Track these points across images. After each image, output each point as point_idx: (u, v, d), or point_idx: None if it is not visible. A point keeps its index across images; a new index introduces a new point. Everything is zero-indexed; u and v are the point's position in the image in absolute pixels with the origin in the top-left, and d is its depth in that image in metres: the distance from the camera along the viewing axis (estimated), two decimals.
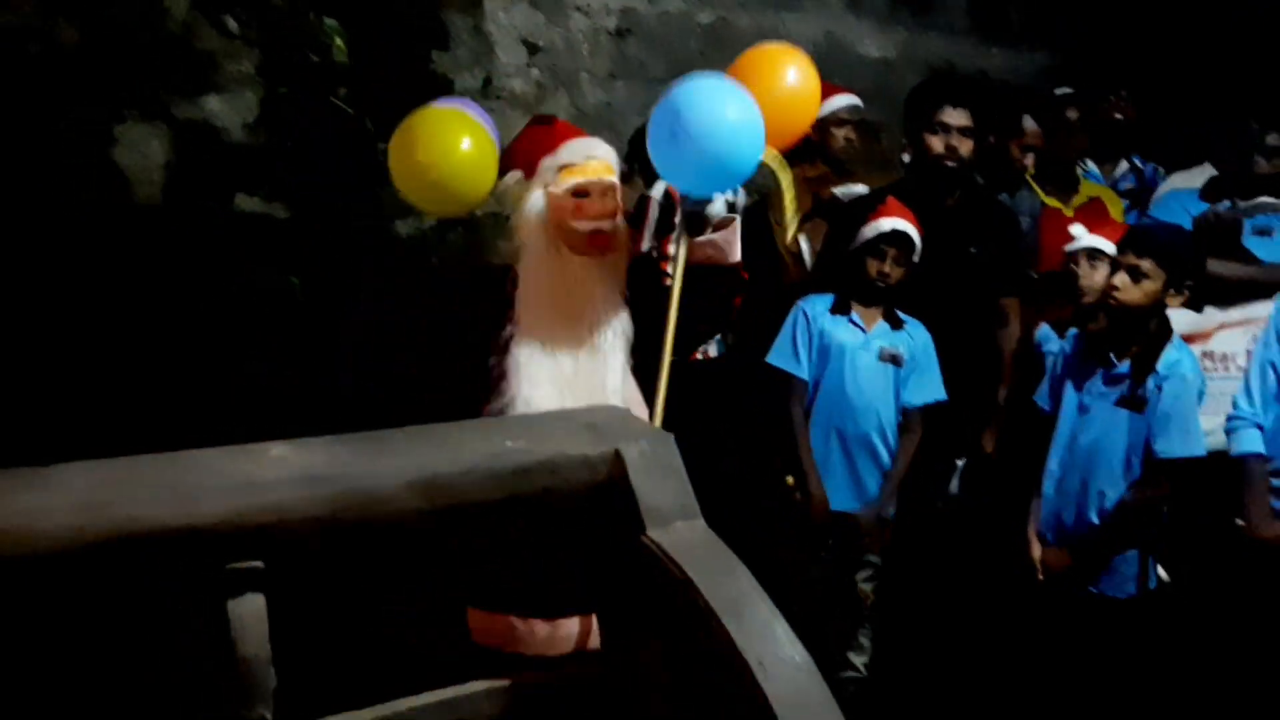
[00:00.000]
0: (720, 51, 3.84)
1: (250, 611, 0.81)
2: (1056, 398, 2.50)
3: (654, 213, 3.26)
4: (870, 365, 2.64)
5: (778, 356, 2.69)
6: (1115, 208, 3.28)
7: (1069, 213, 3.21)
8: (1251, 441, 2.33)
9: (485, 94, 3.45)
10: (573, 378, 1.97)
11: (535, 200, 2.01)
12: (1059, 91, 3.51)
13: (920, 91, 2.90)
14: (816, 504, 2.61)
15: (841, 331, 2.66)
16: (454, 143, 2.05)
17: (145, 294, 3.00)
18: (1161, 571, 2.49)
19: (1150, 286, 2.27)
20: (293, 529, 0.82)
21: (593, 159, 2.01)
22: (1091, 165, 3.70)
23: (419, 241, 3.49)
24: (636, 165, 2.81)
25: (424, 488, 0.88)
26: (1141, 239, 2.36)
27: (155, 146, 3.06)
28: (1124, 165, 3.79)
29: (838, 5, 4.08)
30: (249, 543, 0.81)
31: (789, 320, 2.71)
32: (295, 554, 0.84)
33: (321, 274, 3.22)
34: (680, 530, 0.93)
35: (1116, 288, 2.30)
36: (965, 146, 2.76)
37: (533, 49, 3.53)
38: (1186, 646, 2.49)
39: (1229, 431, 2.39)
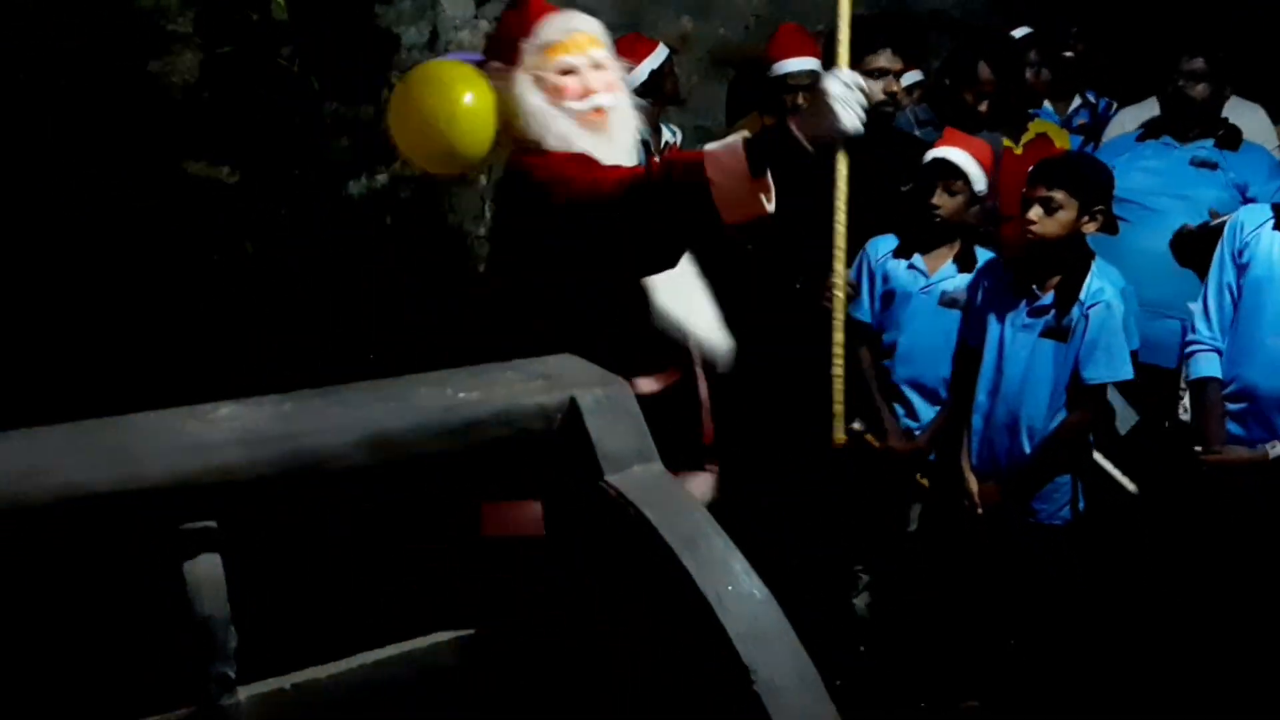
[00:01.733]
0: None
1: (206, 571, 0.81)
2: (978, 331, 2.51)
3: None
4: (928, 310, 2.60)
5: None
6: (1061, 142, 3.30)
7: (1018, 151, 3.23)
8: (1210, 366, 2.37)
9: (432, 48, 3.39)
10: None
11: (526, 91, 1.87)
12: (1018, 32, 3.51)
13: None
14: (894, 439, 2.59)
15: (902, 275, 2.62)
16: (457, 98, 1.89)
17: (93, 266, 2.94)
18: (1127, 482, 2.54)
19: (1064, 216, 2.30)
20: (242, 488, 0.81)
21: (576, 32, 1.90)
22: (1045, 104, 3.71)
23: (371, 200, 3.44)
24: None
25: (373, 444, 0.87)
26: (1049, 171, 2.39)
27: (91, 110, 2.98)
28: (1077, 100, 3.82)
29: None
30: (199, 504, 0.80)
31: (855, 265, 2.66)
32: (247, 514, 0.83)
33: (274, 237, 3.17)
34: (637, 474, 0.94)
35: (1032, 221, 2.32)
36: (895, 88, 2.78)
37: (480, 0, 3.47)
38: (1137, 568, 2.56)
39: (1186, 356, 2.44)
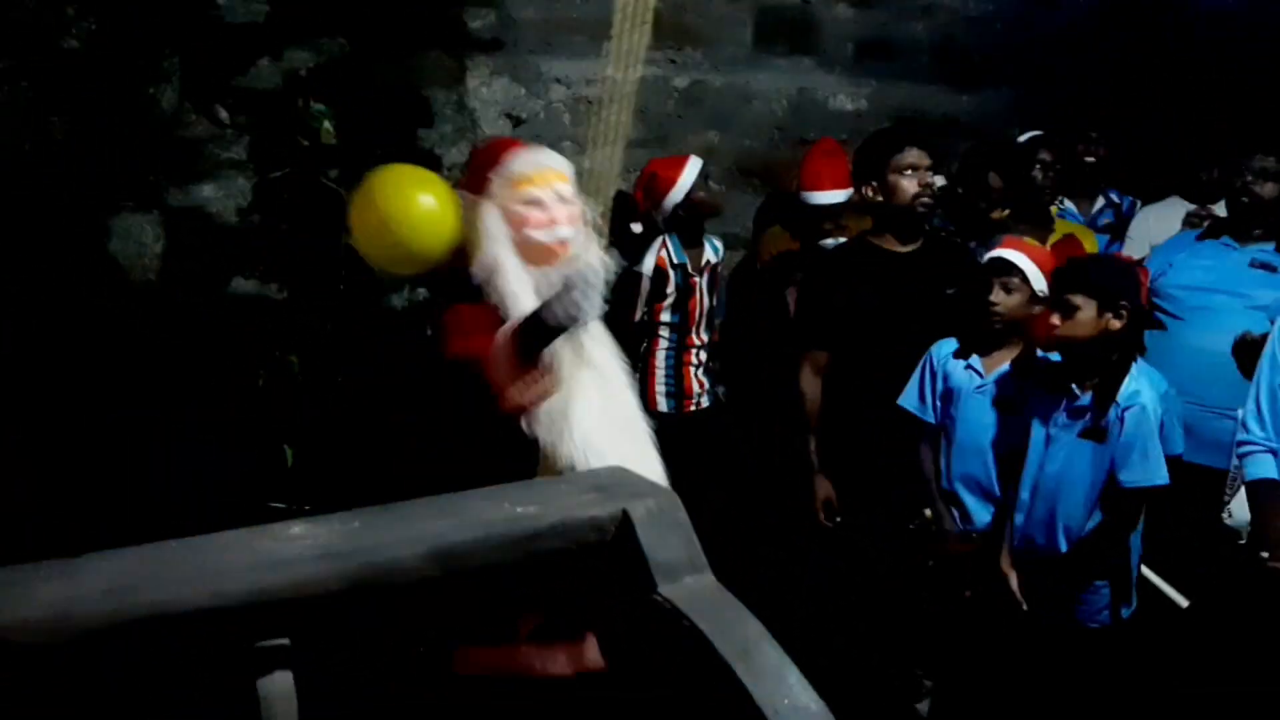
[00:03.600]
0: (696, 112, 3.96)
1: (279, 688, 0.84)
2: (1022, 430, 2.52)
3: (645, 286, 3.36)
4: (982, 410, 2.63)
5: (906, 399, 2.74)
6: (1089, 243, 3.35)
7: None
8: (1265, 467, 2.33)
9: None
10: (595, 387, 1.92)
11: (491, 219, 1.93)
12: (1028, 135, 3.61)
13: (875, 140, 2.95)
14: (950, 538, 2.64)
15: (959, 374, 2.67)
16: (413, 198, 1.95)
17: (147, 381, 3.05)
18: (1176, 595, 2.50)
19: (1084, 317, 2.32)
20: (316, 604, 0.85)
21: (545, 168, 1.96)
22: (1069, 204, 3.79)
23: (413, 313, 3.55)
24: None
25: (439, 556, 0.91)
26: (1066, 275, 2.42)
27: (149, 233, 3.13)
28: (1100, 201, 3.89)
29: (808, 61, 4.20)
30: (274, 619, 0.84)
31: (920, 364, 2.74)
32: (319, 628, 0.86)
33: (320, 351, 3.27)
34: (689, 584, 0.96)
35: (1054, 325, 2.36)
36: (936, 182, 2.83)
37: (516, 120, 3.63)
38: (1187, 671, 2.50)
39: (1240, 457, 2.40)
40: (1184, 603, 2.52)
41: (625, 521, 0.98)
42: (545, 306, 1.80)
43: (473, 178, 2.02)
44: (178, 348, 3.13)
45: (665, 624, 0.93)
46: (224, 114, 3.19)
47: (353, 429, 3.17)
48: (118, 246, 3.07)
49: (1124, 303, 2.34)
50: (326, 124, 3.28)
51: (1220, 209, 3.23)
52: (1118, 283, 2.38)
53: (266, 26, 3.18)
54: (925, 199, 2.80)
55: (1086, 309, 2.33)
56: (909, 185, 2.79)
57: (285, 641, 0.85)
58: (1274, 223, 2.99)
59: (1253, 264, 2.93)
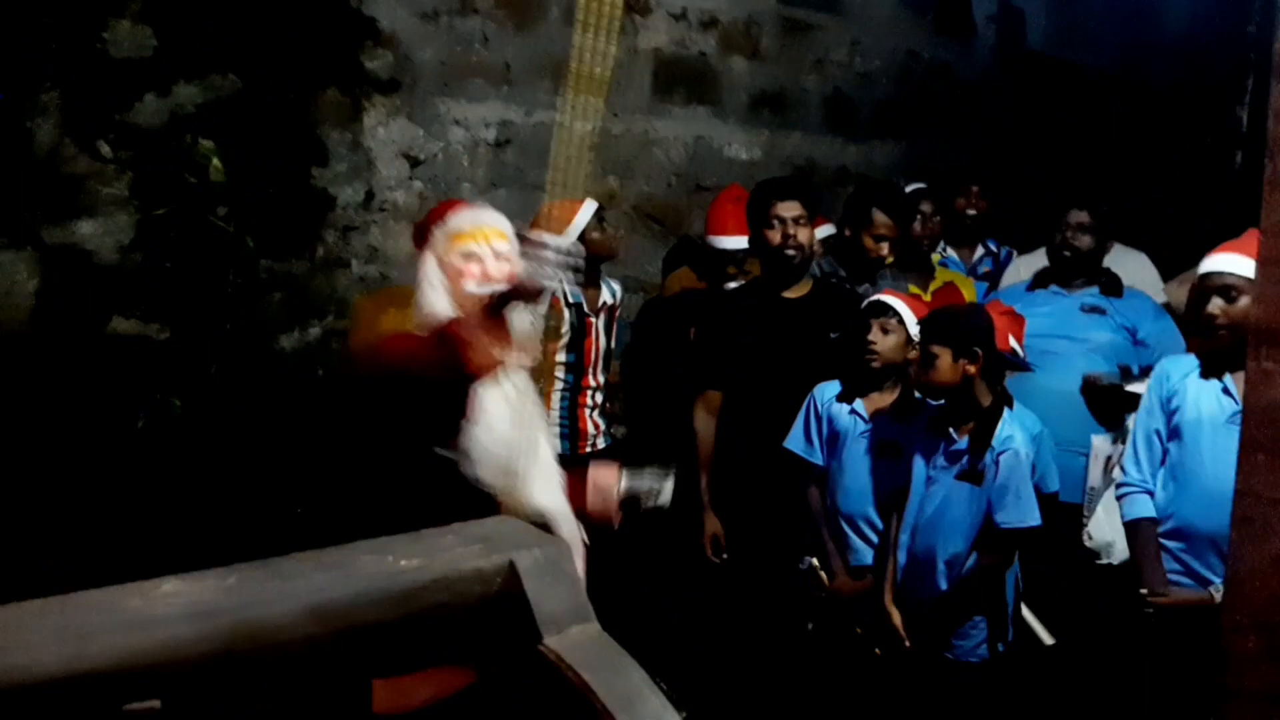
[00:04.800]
0: (595, 157, 4.01)
1: None
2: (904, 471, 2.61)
3: (537, 324, 3.37)
4: (865, 450, 2.71)
5: (792, 441, 2.79)
6: (968, 290, 3.51)
7: (927, 298, 3.42)
8: (1142, 507, 2.47)
9: (368, 207, 3.51)
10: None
11: (430, 270, 2.06)
12: (912, 188, 3.77)
13: (755, 192, 3.08)
14: (841, 578, 2.69)
15: (844, 419, 2.74)
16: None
17: (18, 424, 2.90)
18: (1035, 623, 2.61)
19: (942, 364, 2.45)
20: (187, 665, 0.83)
21: (482, 226, 2.09)
22: (951, 252, 3.97)
23: (304, 353, 3.48)
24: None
25: (317, 614, 0.89)
26: (926, 326, 2.56)
27: (23, 271, 3.00)
28: (980, 250, 4.08)
29: (704, 110, 4.31)
30: (143, 682, 0.81)
31: (803, 407, 2.81)
32: (191, 690, 0.84)
33: (205, 393, 3.16)
34: (574, 635, 0.97)
35: (920, 372, 2.48)
36: (802, 234, 2.93)
37: (413, 161, 3.62)
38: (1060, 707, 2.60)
39: (1119, 498, 2.54)
40: (1050, 640, 2.62)
41: (511, 572, 0.99)
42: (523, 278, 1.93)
43: (418, 232, 2.17)
44: (52, 389, 2.99)
45: (549, 675, 0.94)
46: (106, 149, 3.08)
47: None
48: None
49: (975, 348, 2.46)
50: (215, 161, 3.20)
51: None
52: (969, 331, 2.51)
53: (153, 60, 3.10)
54: (789, 249, 2.89)
55: (943, 356, 2.45)
56: (774, 235, 2.90)
57: (156, 704, 0.82)
58: (1094, 270, 3.23)
59: (1083, 309, 3.15)
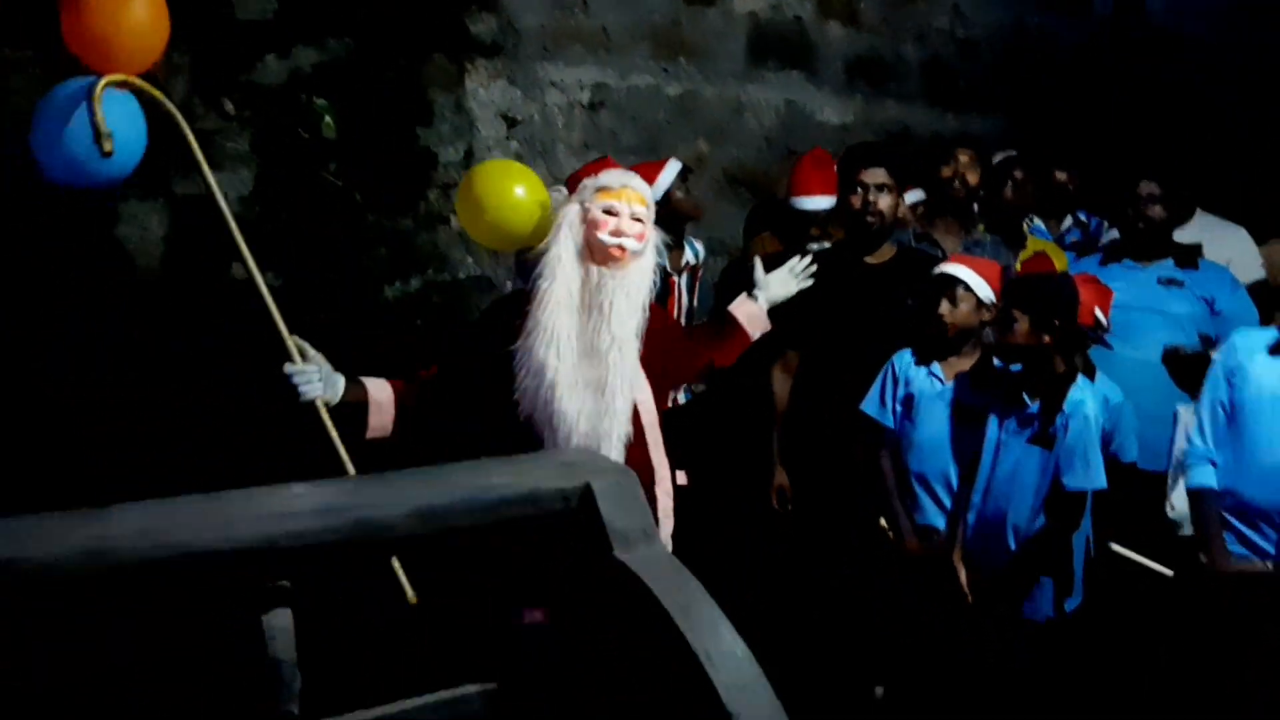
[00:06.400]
0: (687, 121, 4.10)
1: (281, 623, 0.97)
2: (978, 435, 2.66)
3: (682, 298, 3.54)
4: (942, 412, 2.77)
5: (868, 404, 2.89)
6: (1059, 260, 3.49)
7: (1018, 267, 3.43)
8: (1205, 476, 2.50)
9: (468, 166, 3.67)
10: (581, 370, 2.19)
11: (570, 212, 2.27)
12: (1003, 155, 3.76)
13: (844, 157, 3.14)
14: (909, 539, 2.78)
15: (921, 380, 2.82)
16: (508, 187, 2.38)
17: (150, 361, 3.16)
18: (1158, 566, 2.63)
19: (1021, 329, 2.48)
20: (314, 552, 0.98)
21: (628, 187, 2.28)
22: (1038, 222, 3.94)
23: (405, 304, 3.67)
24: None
25: (422, 516, 1.04)
26: (1010, 289, 2.58)
27: (155, 221, 3.24)
28: (1069, 220, 4.04)
29: (798, 75, 4.34)
30: (278, 564, 0.97)
31: (882, 371, 2.89)
32: (315, 572, 0.99)
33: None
34: (641, 550, 1.10)
35: (998, 333, 2.52)
36: (883, 202, 2.97)
37: (511, 123, 3.76)
38: (1117, 668, 2.65)
39: (1184, 466, 2.56)
40: (1168, 572, 2.66)
41: (588, 493, 1.12)
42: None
43: (572, 180, 2.41)
44: (183, 333, 3.24)
45: (619, 584, 1.07)
46: (230, 107, 3.30)
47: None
48: (124, 232, 3.18)
49: (1055, 318, 2.49)
50: (328, 119, 3.40)
51: None
52: (1052, 300, 2.54)
53: (275, 24, 3.30)
54: (870, 215, 2.94)
55: (1022, 322, 2.49)
56: (857, 200, 2.96)
57: (287, 584, 0.98)
58: (1166, 241, 3.20)
59: (1160, 281, 3.12)
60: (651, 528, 1.12)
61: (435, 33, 3.55)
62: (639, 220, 2.26)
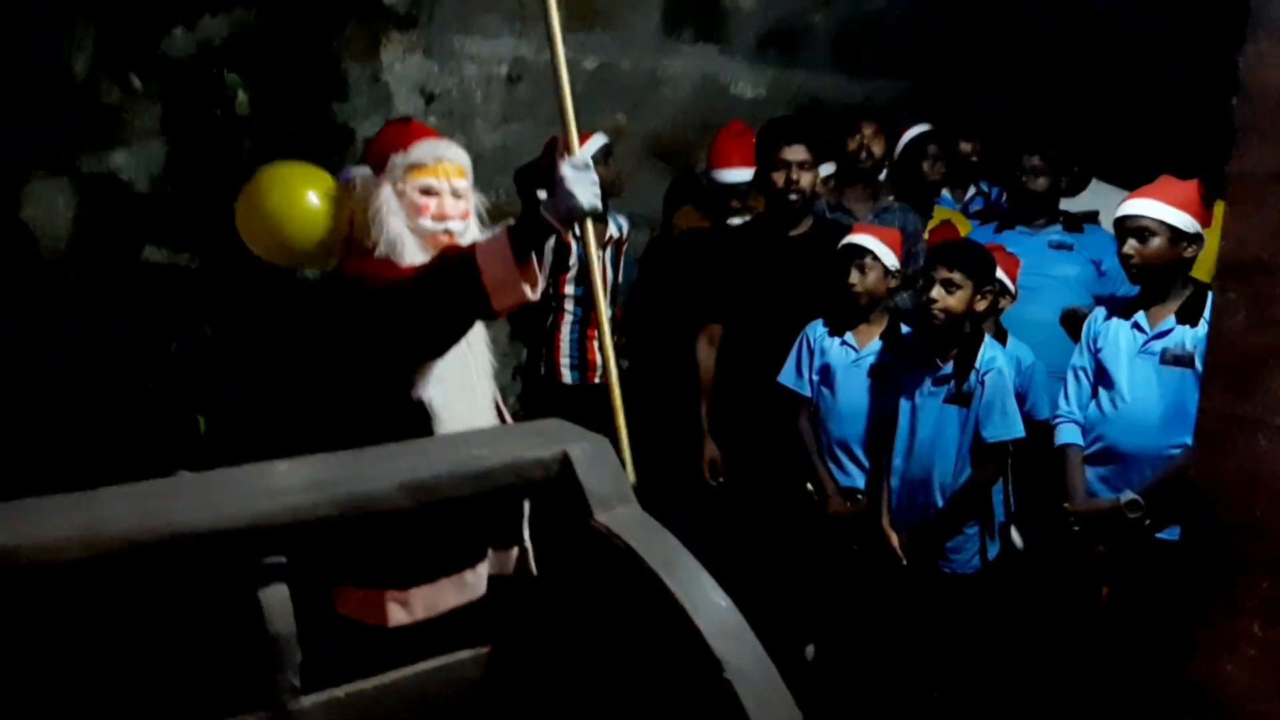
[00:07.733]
0: (604, 93, 4.11)
1: (277, 598, 0.99)
2: (892, 400, 2.78)
3: (548, 257, 3.49)
4: (857, 382, 2.88)
5: (785, 375, 2.98)
6: (964, 227, 3.66)
7: (926, 235, 3.57)
8: (1071, 434, 2.73)
9: None
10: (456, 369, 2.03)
11: (386, 199, 2.01)
12: (916, 130, 3.89)
13: (763, 133, 3.19)
14: (834, 500, 2.89)
15: (835, 350, 2.92)
16: (299, 195, 2.07)
17: (55, 346, 3.05)
18: (1016, 537, 2.82)
19: (963, 294, 2.61)
20: (307, 526, 1.00)
21: (443, 160, 2.04)
22: (945, 192, 4.09)
23: (324, 284, 3.61)
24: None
25: (408, 488, 1.07)
26: (948, 254, 2.71)
27: (61, 201, 3.13)
28: (973, 190, 4.21)
29: (711, 48, 4.40)
30: (272, 540, 0.99)
31: (796, 343, 2.98)
32: (306, 547, 1.01)
33: (233, 319, 3.31)
34: (620, 512, 1.15)
35: (934, 299, 2.63)
36: (805, 179, 3.06)
37: (429, 97, 3.72)
38: (1030, 609, 2.83)
39: (1053, 427, 2.78)
40: (1020, 543, 2.84)
41: (565, 461, 1.16)
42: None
43: (374, 157, 2.10)
44: (87, 315, 3.14)
45: (600, 545, 1.11)
46: (137, 81, 3.19)
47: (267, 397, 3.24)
48: (30, 213, 3.06)
49: (989, 287, 2.64)
50: (241, 94, 3.31)
51: None
52: (989, 269, 2.68)
53: None
54: (792, 193, 3.02)
55: (965, 288, 2.61)
56: (779, 178, 3.04)
57: (282, 559, 0.99)
58: (1052, 209, 3.42)
59: (1050, 245, 3.33)
60: (627, 491, 1.17)
61: (348, 3, 3.48)
62: (459, 196, 2.05)
